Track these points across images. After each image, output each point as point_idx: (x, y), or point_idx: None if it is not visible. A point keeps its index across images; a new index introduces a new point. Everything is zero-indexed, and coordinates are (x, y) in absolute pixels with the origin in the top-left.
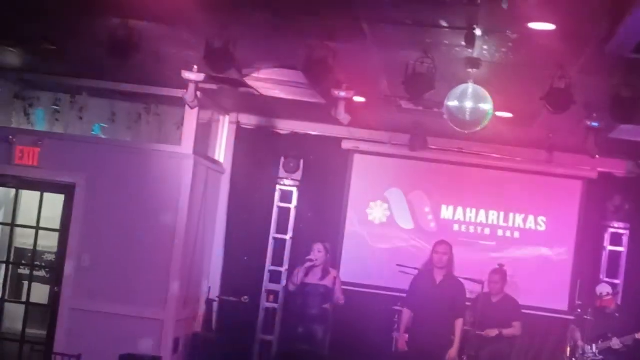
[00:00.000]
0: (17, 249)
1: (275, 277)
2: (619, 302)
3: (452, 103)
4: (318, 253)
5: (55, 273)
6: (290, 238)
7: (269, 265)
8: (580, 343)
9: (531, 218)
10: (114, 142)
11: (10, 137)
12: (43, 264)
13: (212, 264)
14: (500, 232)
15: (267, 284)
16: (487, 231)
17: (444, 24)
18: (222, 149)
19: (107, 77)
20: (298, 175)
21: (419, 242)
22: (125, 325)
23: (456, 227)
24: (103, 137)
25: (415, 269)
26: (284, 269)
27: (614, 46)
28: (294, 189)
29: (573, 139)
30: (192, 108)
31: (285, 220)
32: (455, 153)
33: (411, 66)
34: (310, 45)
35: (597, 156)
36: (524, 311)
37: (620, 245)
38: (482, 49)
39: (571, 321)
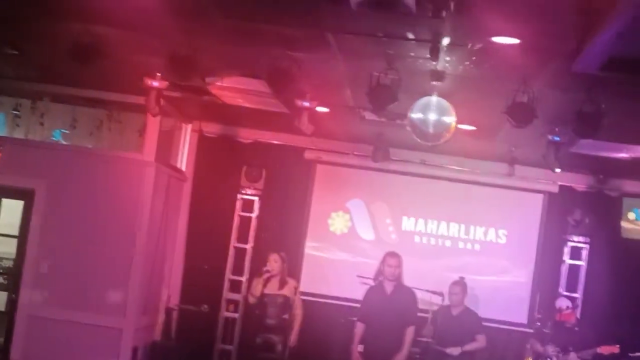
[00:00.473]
0: None
1: (235, 286)
2: (578, 316)
3: (415, 115)
4: (274, 263)
5: (13, 279)
6: (251, 247)
7: (229, 274)
8: (541, 352)
9: (492, 231)
10: (75, 148)
11: None
12: (1, 270)
13: (172, 272)
14: (460, 245)
15: (227, 293)
16: (447, 243)
17: (409, 36)
18: (184, 157)
19: (69, 83)
20: (260, 184)
21: (379, 253)
22: (84, 333)
23: (417, 238)
24: (64, 143)
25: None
26: (244, 278)
27: (581, 64)
28: (256, 198)
29: (535, 152)
30: (154, 115)
31: (246, 230)
32: (417, 165)
33: (375, 77)
34: (274, 55)
35: (558, 170)
36: (484, 324)
37: (579, 259)
38: (446, 62)
39: (530, 334)
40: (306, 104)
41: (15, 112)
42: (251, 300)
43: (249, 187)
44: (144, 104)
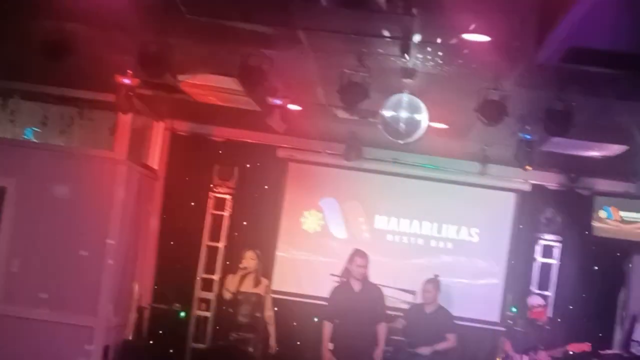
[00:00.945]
0: None
1: (207, 285)
2: (550, 315)
3: (387, 113)
4: (251, 260)
5: None
6: (224, 246)
7: (201, 273)
8: (511, 353)
9: (464, 229)
10: (46, 146)
11: None
12: None
13: (144, 271)
14: (433, 243)
15: (199, 292)
16: (420, 242)
17: (380, 33)
18: (156, 155)
19: (40, 81)
20: (232, 182)
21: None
22: (55, 332)
23: (390, 237)
24: (35, 141)
25: None
26: (216, 276)
27: (543, 55)
28: (228, 197)
29: (507, 151)
30: (125, 113)
31: (218, 228)
32: (390, 163)
33: (346, 75)
34: (245, 52)
35: (529, 168)
36: (456, 322)
37: (551, 257)
38: (417, 59)
39: (502, 332)
40: (278, 101)
41: None
42: (226, 295)
43: (221, 186)
44: (115, 101)
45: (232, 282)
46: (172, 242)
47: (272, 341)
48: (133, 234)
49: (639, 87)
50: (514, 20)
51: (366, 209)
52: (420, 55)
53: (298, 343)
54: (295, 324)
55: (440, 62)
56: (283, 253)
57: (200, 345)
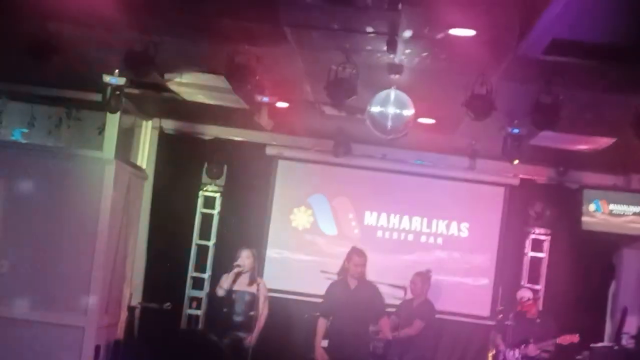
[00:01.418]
0: None
1: (198, 283)
2: (540, 308)
3: (374, 109)
4: (246, 259)
5: None
6: (214, 244)
7: (191, 272)
8: (501, 348)
9: (454, 224)
10: (34, 146)
11: None
12: None
13: (134, 271)
14: (423, 238)
15: (189, 291)
16: (410, 237)
17: (366, 29)
18: (145, 155)
19: (27, 81)
20: (221, 181)
21: (342, 248)
22: (46, 332)
23: (380, 233)
24: (23, 142)
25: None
26: (207, 275)
27: (525, 48)
28: (218, 195)
29: (495, 145)
30: (113, 113)
31: (208, 227)
32: (379, 160)
33: (333, 71)
34: (232, 50)
35: (517, 162)
36: (447, 317)
37: (541, 251)
38: (404, 55)
39: (492, 327)
40: (266, 99)
41: None
42: (219, 292)
43: (210, 184)
44: (103, 101)
45: (226, 279)
46: (162, 241)
47: (255, 333)
48: (122, 233)
49: (624, 80)
50: (498, 14)
51: (355, 205)
52: (407, 51)
53: (287, 340)
54: (285, 320)
55: (427, 57)
56: (273, 250)
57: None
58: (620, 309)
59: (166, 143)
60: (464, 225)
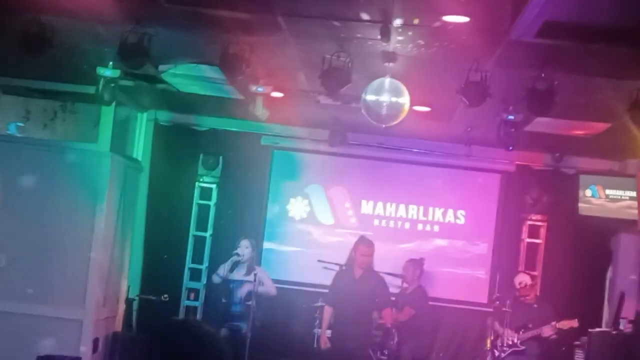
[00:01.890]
0: None
1: (195, 275)
2: (538, 294)
3: (369, 97)
4: (245, 249)
5: None
6: (210, 235)
7: (189, 263)
8: (500, 333)
9: (450, 212)
10: (30, 140)
11: None
12: None
13: (132, 263)
14: (420, 226)
15: (187, 282)
16: (407, 225)
17: (359, 17)
18: (140, 147)
19: (21, 75)
20: (217, 172)
21: (339, 237)
22: (44, 326)
23: (376, 221)
24: (18, 135)
25: (337, 264)
26: (204, 266)
27: (518, 31)
28: (214, 186)
29: (491, 132)
30: (107, 105)
31: (205, 218)
32: (374, 148)
33: (327, 60)
34: (226, 40)
35: (511, 148)
36: (445, 305)
37: (537, 237)
38: (397, 43)
39: (490, 313)
40: (260, 89)
41: None
42: (215, 279)
43: (207, 175)
44: (97, 93)
45: (222, 268)
46: (159, 233)
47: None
48: (119, 225)
49: (618, 62)
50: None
51: (352, 194)
52: (400, 38)
53: (287, 329)
54: (284, 310)
55: (421, 44)
56: (270, 241)
57: None
58: (617, 293)
59: (161, 135)
60: (461, 213)
